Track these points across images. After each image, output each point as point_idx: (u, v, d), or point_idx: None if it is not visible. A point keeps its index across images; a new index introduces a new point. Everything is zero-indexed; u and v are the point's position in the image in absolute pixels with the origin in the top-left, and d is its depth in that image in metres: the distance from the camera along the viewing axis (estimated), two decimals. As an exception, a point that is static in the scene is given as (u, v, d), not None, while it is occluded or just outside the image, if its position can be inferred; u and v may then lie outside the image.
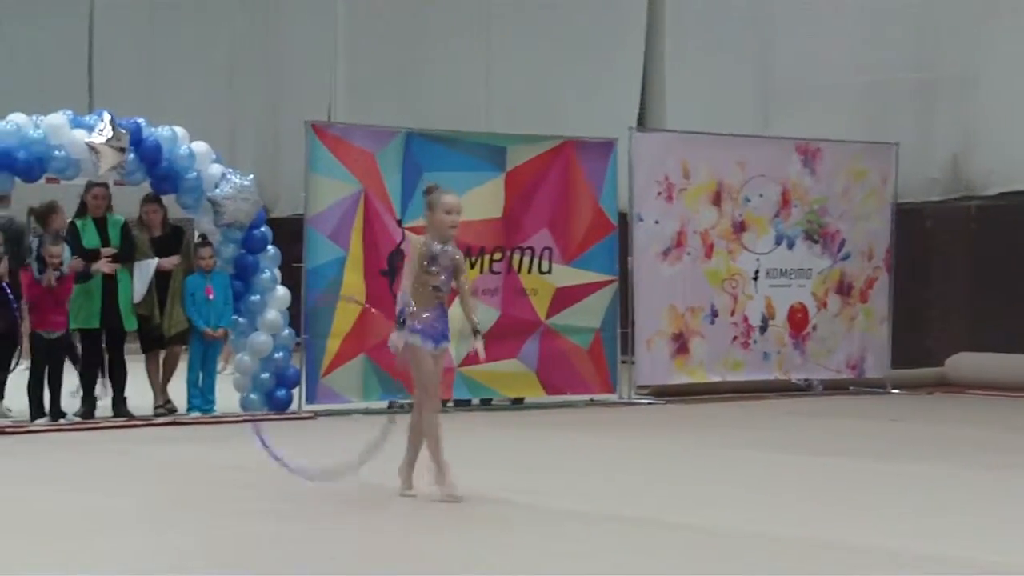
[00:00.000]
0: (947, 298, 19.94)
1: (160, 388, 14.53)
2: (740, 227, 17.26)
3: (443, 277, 9.49)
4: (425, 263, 9.46)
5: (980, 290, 19.65)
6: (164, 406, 14.45)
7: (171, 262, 14.32)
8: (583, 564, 7.89)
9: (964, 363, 18.51)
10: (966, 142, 19.91)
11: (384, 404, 15.29)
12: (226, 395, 14.61)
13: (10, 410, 13.99)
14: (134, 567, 7.74)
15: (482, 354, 9.92)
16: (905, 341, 18.41)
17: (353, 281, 15.03)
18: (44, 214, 14.13)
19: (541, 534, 8.67)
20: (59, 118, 13.78)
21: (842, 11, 20.98)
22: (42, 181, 14.05)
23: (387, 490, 9.97)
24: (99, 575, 7.56)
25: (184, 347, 14.62)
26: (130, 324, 14.10)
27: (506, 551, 8.28)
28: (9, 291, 13.42)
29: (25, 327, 13.78)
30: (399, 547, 8.35)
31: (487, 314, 15.09)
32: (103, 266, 13.82)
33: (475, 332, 9.81)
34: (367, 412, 15.00)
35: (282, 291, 14.73)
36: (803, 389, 17.62)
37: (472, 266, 15.08)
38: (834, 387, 17.74)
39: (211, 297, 14.29)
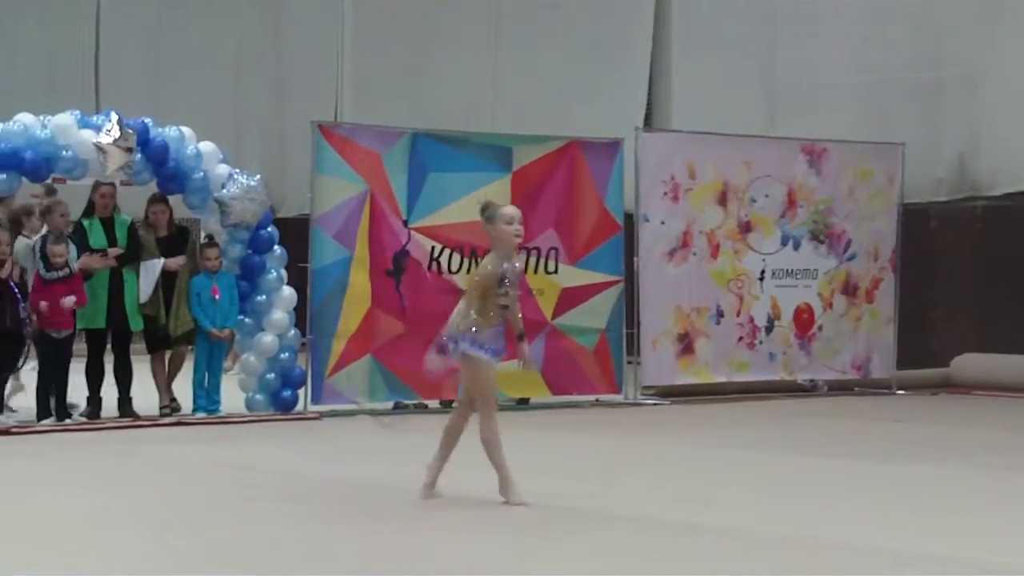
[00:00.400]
0: (953, 298, 19.94)
1: (165, 387, 14.56)
2: (746, 227, 17.26)
3: (512, 293, 9.45)
4: (498, 285, 9.40)
5: (986, 290, 19.65)
6: (169, 405, 14.48)
7: (177, 262, 14.33)
8: (588, 564, 7.90)
9: (969, 364, 18.50)
10: (972, 142, 19.89)
11: (390, 405, 15.34)
12: (232, 395, 14.63)
13: (14, 410, 14.02)
14: (139, 567, 7.75)
15: (529, 361, 9.87)
16: (911, 342, 18.41)
17: (359, 281, 15.06)
18: (42, 212, 14.12)
19: (545, 534, 8.68)
20: (66, 118, 13.80)
21: (848, 11, 20.97)
22: (49, 181, 14.09)
23: (391, 490, 10.00)
24: (104, 574, 7.58)
25: (190, 347, 14.64)
26: (136, 324, 14.13)
27: (510, 551, 8.29)
28: (17, 290, 13.44)
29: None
30: (403, 547, 8.36)
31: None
32: (95, 261, 13.81)
33: (521, 337, 9.78)
34: (373, 413, 15.04)
35: (288, 291, 14.75)
36: (808, 390, 17.62)
37: (477, 266, 15.08)
38: (839, 388, 17.74)
39: (217, 297, 14.31)
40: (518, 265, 9.65)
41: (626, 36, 23.27)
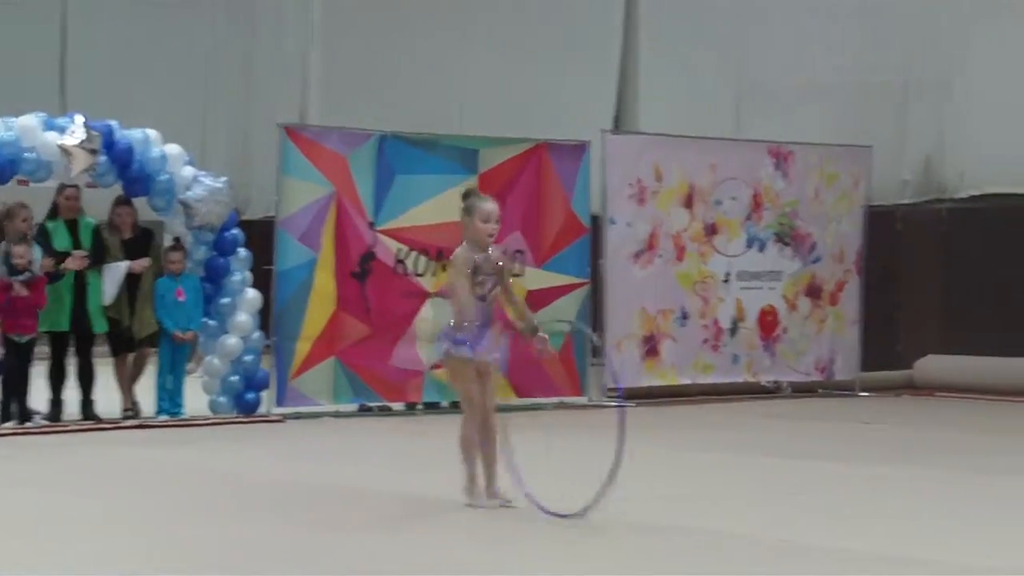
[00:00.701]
0: (917, 301, 20.00)
1: (127, 389, 14.52)
2: (711, 230, 17.30)
3: (488, 286, 9.34)
4: (473, 275, 9.32)
5: (949, 293, 19.71)
6: (131, 408, 14.43)
7: (141, 265, 14.30)
8: (560, 565, 7.93)
9: (933, 366, 18.56)
10: (938, 145, 19.99)
11: (354, 407, 15.33)
12: (195, 398, 14.60)
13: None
14: (106, 568, 7.73)
15: (549, 350, 9.73)
16: (874, 343, 18.47)
17: (324, 283, 15.05)
18: (4, 216, 14.07)
19: (518, 537, 8.70)
20: (31, 120, 13.75)
21: (814, 15, 21.03)
22: (12, 183, 14.04)
23: (355, 493, 9.99)
24: (71, 575, 7.60)
25: (153, 349, 14.60)
26: (100, 327, 14.09)
27: (482, 554, 8.29)
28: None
29: None
30: (369, 549, 8.35)
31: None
32: (71, 262, 13.78)
33: (535, 331, 9.64)
34: (337, 415, 15.04)
35: (253, 293, 14.73)
36: (772, 391, 17.66)
37: (444, 268, 15.08)
38: (803, 390, 17.78)
39: (181, 300, 14.28)
40: (497, 258, 9.46)
41: (595, 39, 23.32)
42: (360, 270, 15.24)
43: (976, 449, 13.27)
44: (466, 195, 9.52)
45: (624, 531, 8.84)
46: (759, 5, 21.71)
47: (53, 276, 13.71)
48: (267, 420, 14.52)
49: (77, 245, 13.96)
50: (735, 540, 8.53)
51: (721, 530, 8.80)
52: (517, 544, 8.52)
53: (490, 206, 9.42)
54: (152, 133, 14.38)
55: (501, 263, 9.54)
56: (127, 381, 14.51)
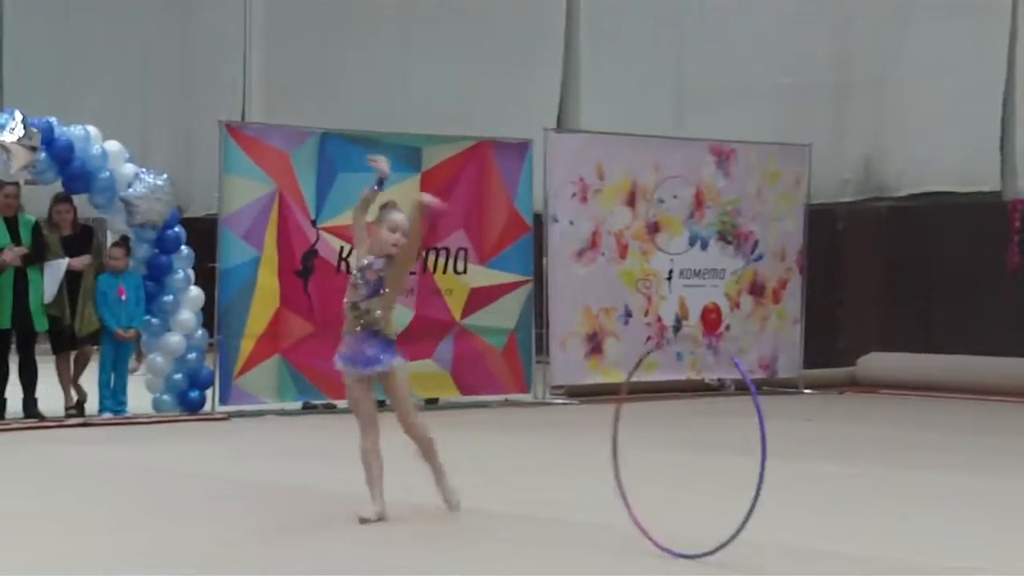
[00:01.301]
0: (858, 298, 20.13)
1: (72, 383, 14.41)
2: (654, 228, 17.34)
3: (363, 292, 9.05)
4: (356, 267, 9.18)
5: (891, 290, 19.85)
6: (75, 406, 14.33)
7: (82, 262, 14.20)
8: (500, 566, 7.91)
9: (875, 363, 18.68)
10: (878, 144, 20.11)
11: (298, 405, 15.29)
12: (138, 396, 14.51)
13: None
14: (68, 568, 7.67)
15: (437, 203, 9.33)
16: (817, 341, 18.57)
17: (267, 281, 15.00)
18: None
19: (464, 538, 8.67)
20: (-31, 117, 13.67)
21: (756, 13, 21.13)
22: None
23: (300, 491, 9.94)
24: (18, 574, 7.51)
25: (96, 347, 14.51)
26: (41, 324, 13.97)
27: (418, 554, 8.28)
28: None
29: None
30: (309, 549, 8.33)
31: (402, 314, 14.90)
32: (7, 254, 13.64)
33: (420, 203, 9.18)
34: (281, 413, 14.99)
35: (195, 291, 14.67)
36: (716, 389, 17.71)
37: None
38: (746, 387, 17.80)
39: (123, 297, 14.20)
40: (382, 269, 9.03)
41: (538, 37, 23.33)
42: (303, 268, 15.20)
43: (918, 446, 13.34)
44: (383, 205, 9.30)
45: (575, 531, 8.83)
46: (699, 5, 21.78)
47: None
48: (211, 418, 14.46)
49: (17, 242, 13.86)
50: (676, 538, 8.51)
51: (660, 528, 8.79)
52: (469, 546, 8.50)
53: (400, 219, 9.10)
54: (92, 130, 14.31)
55: (386, 271, 9.07)
56: (69, 379, 14.40)
